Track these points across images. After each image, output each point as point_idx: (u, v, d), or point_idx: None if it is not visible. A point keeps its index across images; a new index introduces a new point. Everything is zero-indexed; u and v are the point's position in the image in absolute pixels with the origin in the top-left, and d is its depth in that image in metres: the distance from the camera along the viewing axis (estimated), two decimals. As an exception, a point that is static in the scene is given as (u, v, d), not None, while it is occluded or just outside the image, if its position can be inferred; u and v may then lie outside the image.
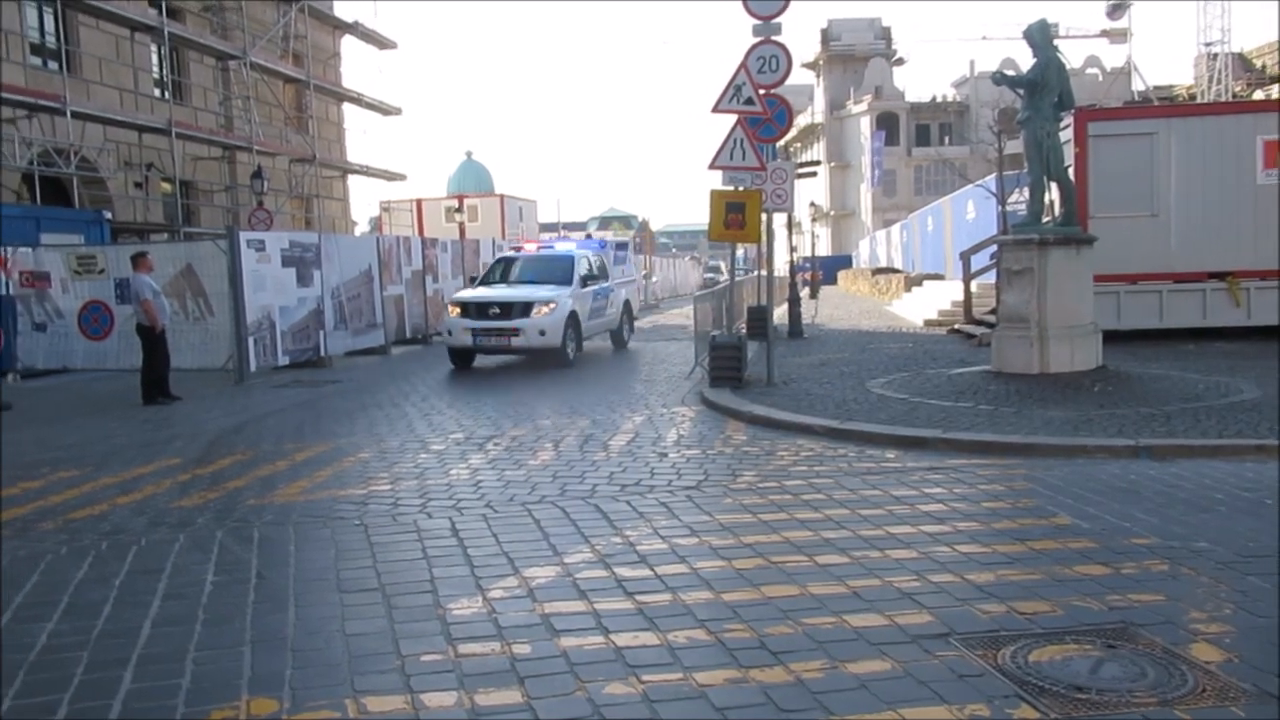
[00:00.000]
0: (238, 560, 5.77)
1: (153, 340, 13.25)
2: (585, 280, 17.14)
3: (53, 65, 23.56)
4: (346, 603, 4.97)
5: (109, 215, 21.91)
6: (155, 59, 27.96)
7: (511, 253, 19.41)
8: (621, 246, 32.20)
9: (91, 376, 16.37)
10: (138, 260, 13.48)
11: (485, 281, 17.71)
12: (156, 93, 27.73)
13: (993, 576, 5.10)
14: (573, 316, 16.09)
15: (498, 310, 15.56)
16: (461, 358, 16.26)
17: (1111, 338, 13.24)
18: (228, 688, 3.99)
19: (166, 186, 27.47)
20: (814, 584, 5.05)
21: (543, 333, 15.35)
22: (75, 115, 22.51)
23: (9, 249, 16.58)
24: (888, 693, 3.78)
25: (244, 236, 15.96)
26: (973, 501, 6.75)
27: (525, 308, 15.53)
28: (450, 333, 15.89)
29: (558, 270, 16.99)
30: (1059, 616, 4.52)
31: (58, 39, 23.77)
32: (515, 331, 15.34)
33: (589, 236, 35.74)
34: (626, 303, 20.01)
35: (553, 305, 15.60)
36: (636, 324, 27.88)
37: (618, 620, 4.65)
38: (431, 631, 4.54)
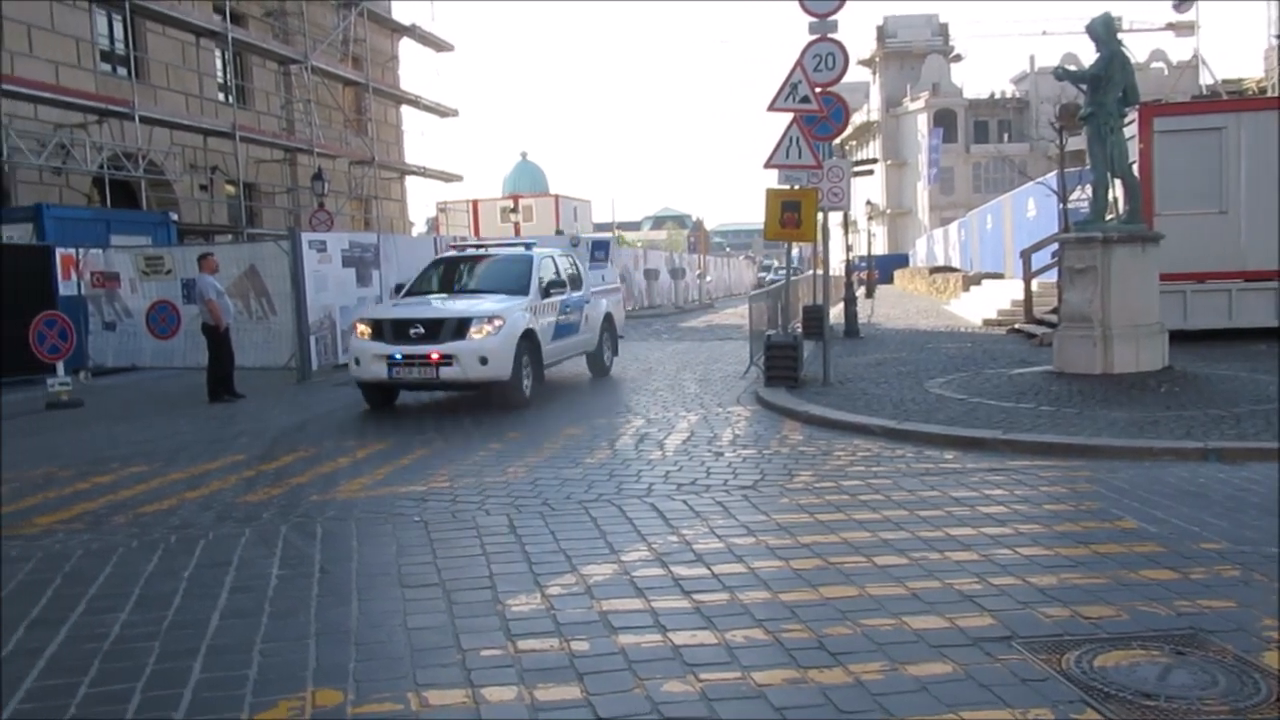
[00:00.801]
0: (302, 555, 5.89)
1: (217, 339, 13.55)
2: (548, 288, 12.83)
3: (122, 71, 24.21)
4: (408, 597, 5.04)
5: (175, 217, 22.47)
6: (219, 64, 28.60)
7: (452, 253, 14.75)
8: (601, 246, 27.10)
9: (159, 374, 16.79)
10: (202, 261, 13.81)
11: (416, 291, 13.11)
12: (221, 97, 28.36)
13: (1056, 580, 5.02)
14: (528, 337, 11.82)
15: (421, 331, 11.19)
16: (377, 394, 11.99)
17: (1178, 338, 12.93)
18: (294, 679, 4.07)
19: (230, 189, 28.07)
20: (873, 585, 5.01)
21: (484, 360, 11.06)
22: (143, 120, 23.10)
23: (81, 250, 17.05)
24: (949, 695, 3.74)
25: (305, 237, 16.26)
26: (1035, 504, 6.65)
27: (459, 326, 11.19)
28: (358, 362, 11.44)
29: (511, 275, 12.87)
30: (1125, 622, 4.44)
31: (127, 46, 24.41)
32: (446, 359, 11.00)
33: (574, 239, 27.46)
34: (608, 317, 15.28)
35: (498, 322, 11.28)
36: (690, 323, 27.64)
37: (675, 618, 4.66)
38: (491, 627, 4.59)
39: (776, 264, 50.77)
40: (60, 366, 13.69)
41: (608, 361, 15.28)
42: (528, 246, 13.83)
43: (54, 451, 9.88)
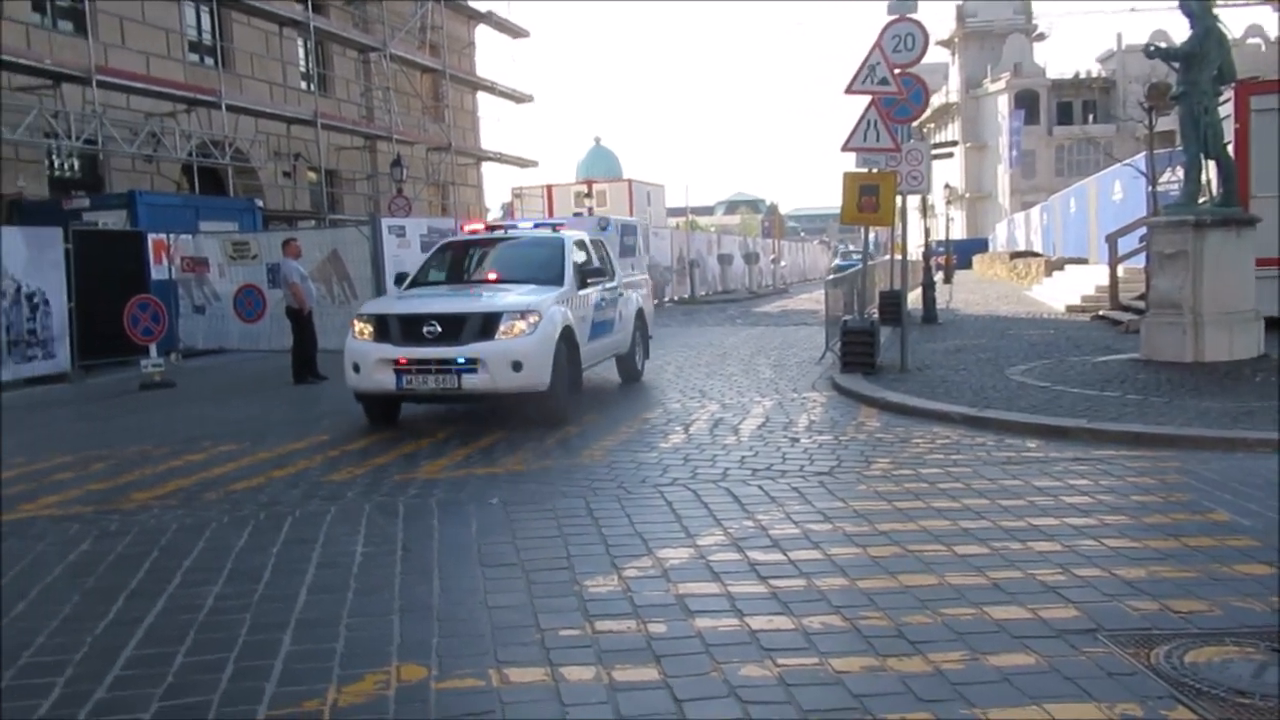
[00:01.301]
0: (385, 533, 6.02)
1: (301, 322, 13.89)
2: (585, 277, 10.74)
3: (209, 61, 24.86)
4: (488, 576, 5.13)
5: (260, 203, 23.06)
6: (302, 53, 29.21)
7: (466, 235, 12.30)
8: (631, 231, 23.65)
9: (245, 357, 17.27)
10: (286, 246, 14.17)
11: (424, 281, 10.83)
12: (303, 85, 28.98)
13: (1144, 573, 4.89)
14: (567, 336, 9.72)
15: (438, 329, 9.11)
16: (379, 408, 9.84)
17: (1275, 325, 12.46)
18: (379, 653, 4.18)
19: (312, 175, 28.68)
20: (953, 574, 4.95)
21: (518, 366, 8.97)
22: (230, 109, 23.74)
23: (171, 235, 17.61)
24: (1032, 687, 3.68)
25: (385, 223, 16.58)
26: (1121, 495, 6.49)
27: (485, 323, 9.15)
28: (357, 368, 9.31)
29: (539, 261, 10.73)
30: (1217, 617, 4.31)
31: (214, 36, 25.06)
32: (471, 364, 8.93)
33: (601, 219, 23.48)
34: (640, 313, 12.81)
35: (534, 318, 9.19)
36: (764, 308, 27.51)
37: (751, 603, 4.66)
38: (569, 607, 4.65)
39: (852, 247, 49.61)
40: (153, 349, 14.17)
41: (640, 365, 12.89)
42: (554, 228, 11.91)
43: (148, 430, 10.25)
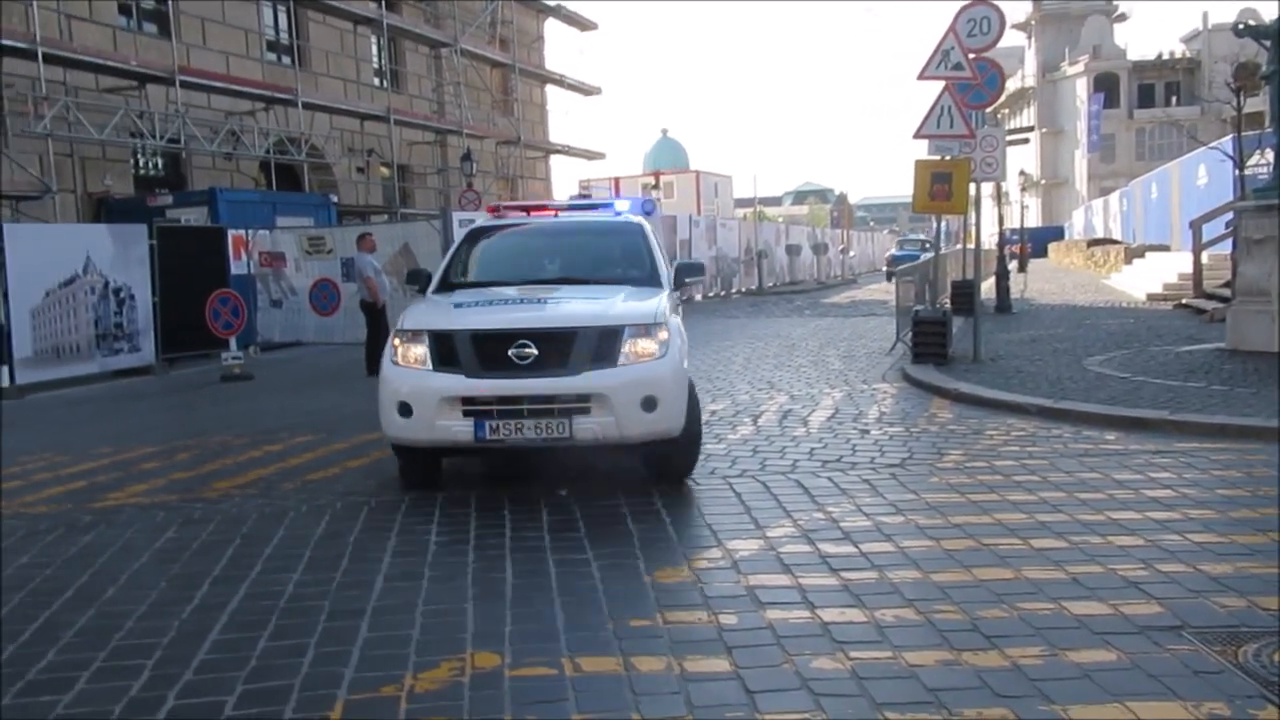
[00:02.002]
0: (457, 523, 6.10)
1: (375, 315, 14.12)
2: (683, 276, 7.83)
3: (286, 60, 25.44)
4: (558, 566, 5.17)
5: (335, 199, 23.55)
6: (375, 50, 29.71)
7: (500, 220, 8.77)
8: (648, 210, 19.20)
9: (320, 349, 17.64)
10: (361, 240, 14.42)
11: (451, 283, 7.85)
12: (376, 82, 29.49)
13: (1230, 568, 4.75)
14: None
15: (533, 351, 6.32)
16: (424, 464, 7.03)
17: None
18: (453, 641, 4.24)
19: (385, 170, 29.17)
20: (1029, 568, 4.86)
21: (651, 404, 6.30)
22: (306, 106, 24.26)
23: (250, 231, 18.05)
24: (1114, 684, 3.60)
25: (456, 216, 16.76)
26: (1206, 488, 6.29)
27: (604, 343, 6.41)
28: (407, 410, 6.44)
29: (616, 253, 8.19)
30: (1309, 614, 4.17)
31: (290, 35, 25.64)
32: (582, 403, 6.28)
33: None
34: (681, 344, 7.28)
35: (663, 335, 6.54)
36: (833, 299, 27.31)
37: (823, 595, 4.63)
38: (640, 598, 4.67)
39: (912, 236, 47.87)
40: (233, 342, 14.55)
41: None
42: (625, 208, 8.94)
43: (229, 421, 10.54)
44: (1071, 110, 66.56)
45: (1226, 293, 14.90)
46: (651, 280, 7.63)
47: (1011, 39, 69.92)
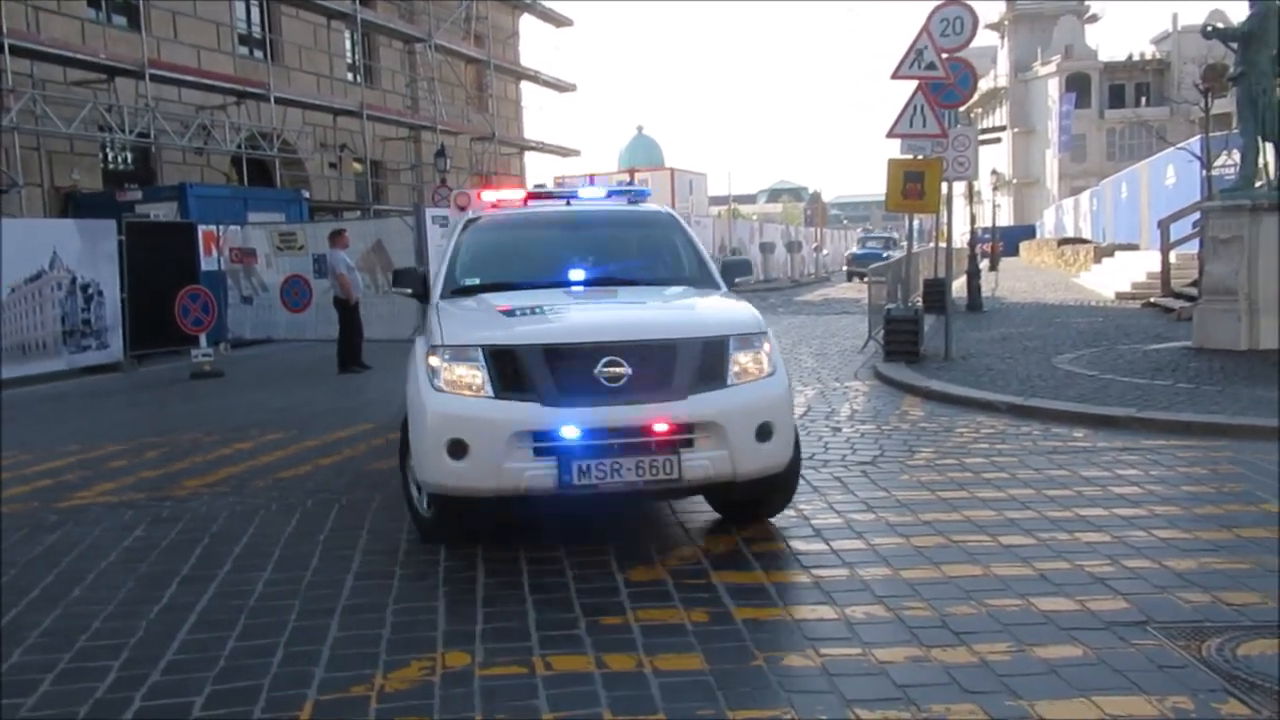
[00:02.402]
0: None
1: (347, 312, 14.05)
2: (729, 276, 6.74)
3: (258, 54, 25.20)
4: (529, 565, 5.16)
5: (307, 194, 23.35)
6: (349, 44, 29.50)
7: (506, 211, 7.25)
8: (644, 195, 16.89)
9: (292, 346, 17.50)
10: (335, 237, 14.33)
11: (463, 286, 6.38)
12: (349, 77, 29.29)
13: (1195, 564, 4.81)
14: None
15: (625, 371, 4.98)
16: (466, 515, 5.52)
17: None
18: (424, 640, 4.23)
19: (358, 166, 28.98)
20: (998, 565, 4.90)
21: (765, 433, 5.15)
22: (278, 101, 24.05)
23: (221, 227, 17.88)
24: (1080, 680, 3.64)
25: (429, 213, 16.65)
26: (1172, 485, 6.38)
27: (709, 358, 5.18)
28: (462, 450, 4.97)
29: (651, 248, 7.00)
30: (1271, 609, 4.23)
31: (263, 29, 25.40)
32: (685, 434, 5.01)
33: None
34: None
35: (767, 347, 5.44)
36: (806, 297, 27.36)
37: (794, 593, 4.66)
38: (612, 596, 4.67)
39: (885, 234, 47.84)
40: (203, 338, 14.42)
41: None
42: (633, 199, 7.55)
43: (199, 419, 10.44)
44: (1043, 110, 67.12)
45: (1194, 291, 15.08)
46: (704, 280, 6.44)
47: (984, 39, 70.47)
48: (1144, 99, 64.93)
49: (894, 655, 3.92)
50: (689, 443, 5.00)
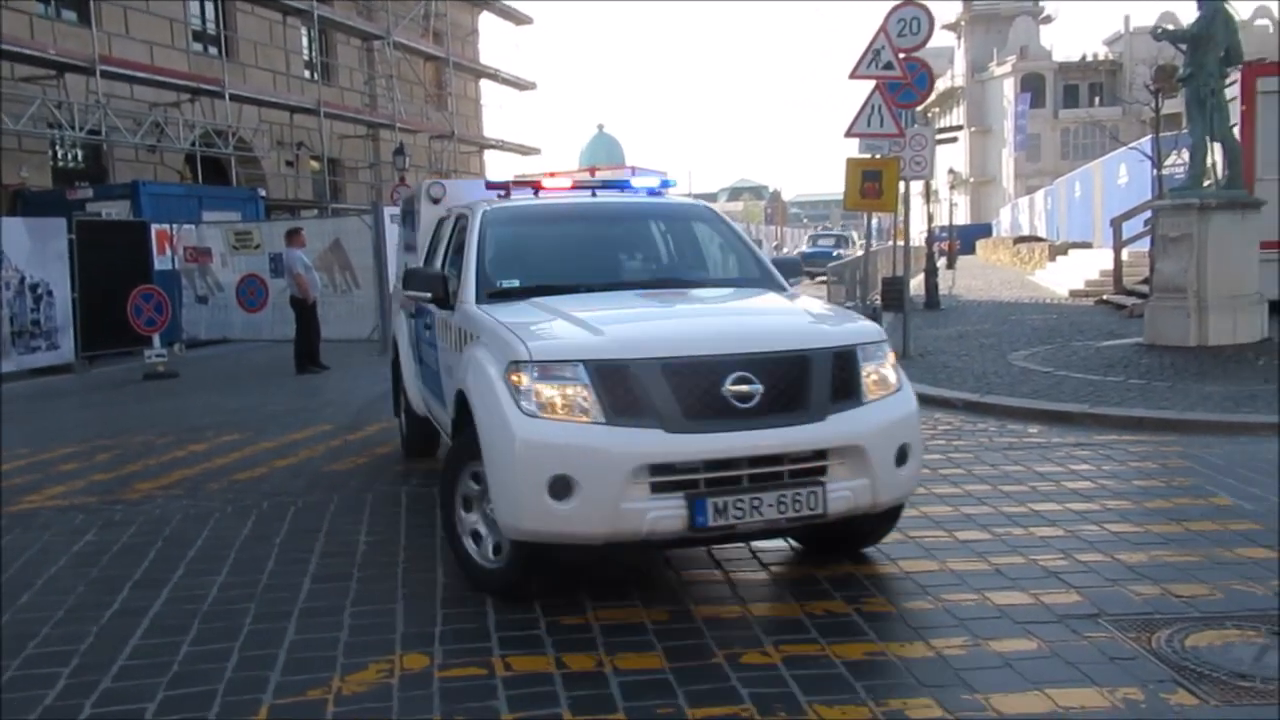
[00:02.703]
0: (388, 522, 6.03)
1: (305, 312, 13.90)
2: (788, 275, 6.22)
3: (213, 51, 24.84)
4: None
5: (263, 193, 23.07)
6: (305, 41, 29.18)
7: (519, 205, 6.33)
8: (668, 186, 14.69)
9: (248, 346, 17.29)
10: (292, 236, 14.16)
11: (502, 289, 5.43)
12: (306, 74, 28.96)
13: (1146, 557, 4.90)
14: None
15: (758, 389, 4.24)
16: (544, 567, 4.59)
17: (1279, 308, 12.42)
18: (382, 642, 4.19)
19: (315, 164, 28.68)
20: (954, 560, 4.96)
21: (904, 456, 4.55)
22: (233, 98, 23.73)
23: (175, 226, 17.61)
24: (1034, 672, 3.69)
25: (388, 211, 16.52)
26: (1123, 479, 6.49)
27: (842, 370, 4.50)
28: (569, 488, 4.11)
29: (712, 246, 6.43)
30: (1219, 601, 4.32)
31: (217, 25, 25.04)
32: (819, 460, 4.33)
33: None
34: None
35: (892, 357, 4.85)
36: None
37: (754, 590, 4.68)
38: (572, 595, 4.65)
39: (837, 232, 47.75)
40: (157, 339, 14.19)
41: None
42: (654, 190, 6.79)
43: (152, 420, 10.27)
44: (999, 109, 67.92)
45: (1145, 289, 15.34)
46: (766, 280, 5.82)
47: (941, 39, 71.20)
48: (1097, 99, 65.89)
49: (851, 650, 3.95)
50: (823, 470, 4.33)
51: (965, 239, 50.87)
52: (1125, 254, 19.41)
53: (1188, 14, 11.74)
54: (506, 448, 4.25)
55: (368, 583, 4.96)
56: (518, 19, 40.51)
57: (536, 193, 6.47)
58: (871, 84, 11.88)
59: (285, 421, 9.85)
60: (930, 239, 23.68)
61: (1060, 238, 32.83)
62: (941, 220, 47.82)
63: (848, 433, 4.36)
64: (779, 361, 4.36)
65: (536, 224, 6.30)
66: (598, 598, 4.59)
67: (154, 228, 17.19)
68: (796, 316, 5.13)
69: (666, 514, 4.11)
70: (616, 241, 6.23)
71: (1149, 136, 23.05)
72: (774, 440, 4.24)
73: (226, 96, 23.42)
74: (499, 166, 40.92)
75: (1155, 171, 21.17)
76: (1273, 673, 3.62)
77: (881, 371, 4.66)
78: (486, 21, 40.14)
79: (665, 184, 6.86)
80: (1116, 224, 19.74)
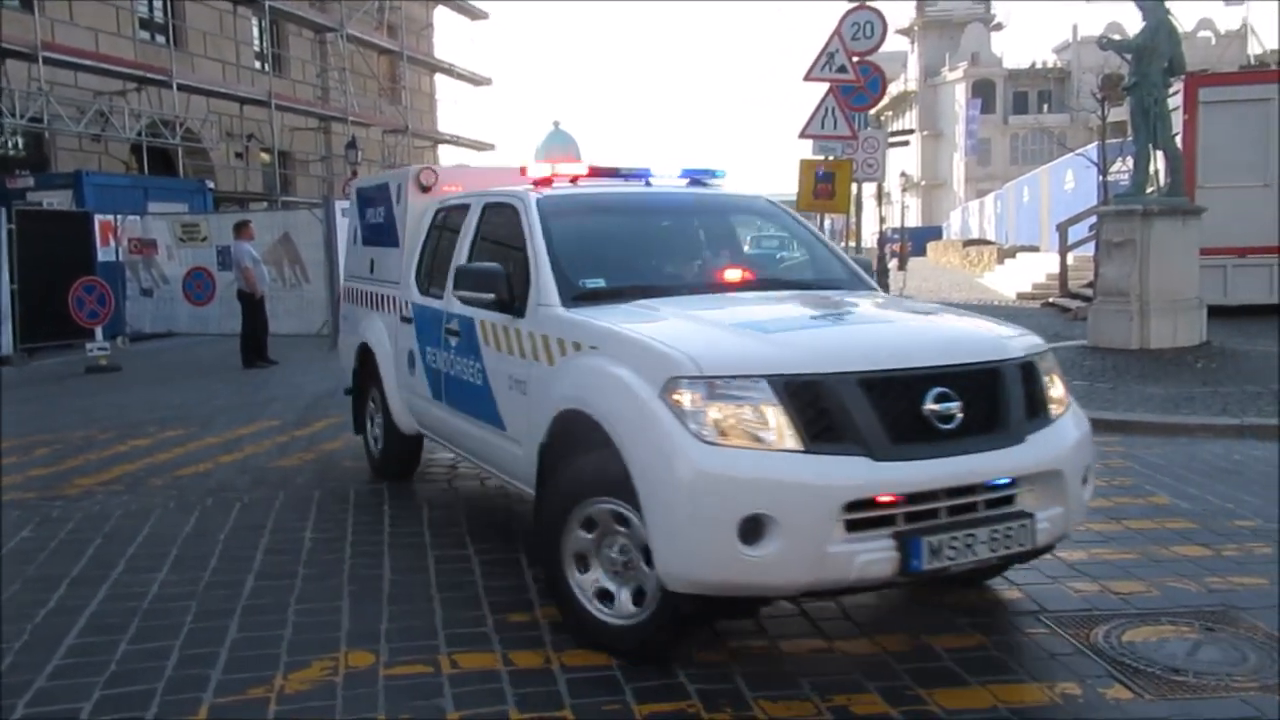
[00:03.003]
0: (334, 519, 5.96)
1: (252, 306, 13.69)
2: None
3: (160, 39, 24.37)
4: (437, 563, 5.10)
5: (212, 185, 22.69)
6: (256, 32, 28.74)
7: (574, 194, 5.39)
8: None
9: (194, 340, 16.98)
10: (240, 228, 13.93)
11: (587, 290, 4.61)
12: (257, 65, 28.51)
13: (1085, 555, 4.99)
14: None
15: (956, 407, 3.65)
16: (706, 618, 3.93)
17: (1218, 313, 12.73)
18: (327, 640, 4.14)
19: (265, 157, 28.26)
20: (900, 557, 5.00)
21: (1086, 480, 4.11)
22: (181, 88, 23.30)
23: (119, 217, 17.25)
24: (977, 668, 3.75)
25: (339, 205, 16.31)
26: (1066, 479, 6.59)
27: (1030, 384, 3.97)
28: (764, 529, 3.40)
29: (791, 245, 6.34)
30: (1155, 597, 4.42)
31: (165, 14, 24.57)
32: (1013, 488, 3.82)
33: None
34: None
35: (1058, 369, 4.33)
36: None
37: (702, 587, 4.69)
38: (520, 593, 4.64)
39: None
40: (99, 332, 13.90)
41: None
42: (698, 180, 5.95)
43: (93, 415, 10.05)
44: (951, 114, 68.81)
45: (1089, 292, 15.61)
46: (855, 281, 5.27)
47: (895, 44, 71.88)
48: (1046, 106, 67.03)
49: (798, 647, 3.98)
50: (1012, 499, 3.81)
51: (916, 241, 51.48)
52: (1071, 258, 19.76)
53: (1134, 25, 11.97)
54: (680, 483, 3.49)
55: (312, 580, 4.90)
56: (473, 14, 40.26)
57: (574, 184, 5.53)
58: (825, 86, 11.97)
59: (231, 417, 9.70)
60: (882, 241, 23.93)
61: (1009, 241, 33.33)
62: (893, 222, 48.34)
63: (1049, 457, 3.86)
64: (975, 375, 3.80)
65: (605, 216, 5.47)
66: (545, 595, 4.57)
67: (97, 218, 16.82)
68: (972, 323, 4.58)
69: (878, 557, 3.47)
70: (694, 237, 5.61)
71: (1095, 143, 23.52)
72: (984, 467, 3.69)
73: (174, 86, 22.99)
74: (453, 162, 40.64)
75: (1101, 178, 21.61)
76: (1205, 667, 3.71)
77: (1059, 384, 4.20)
78: (442, 16, 39.86)
79: (711, 173, 5.97)
80: (1063, 228, 20.10)
